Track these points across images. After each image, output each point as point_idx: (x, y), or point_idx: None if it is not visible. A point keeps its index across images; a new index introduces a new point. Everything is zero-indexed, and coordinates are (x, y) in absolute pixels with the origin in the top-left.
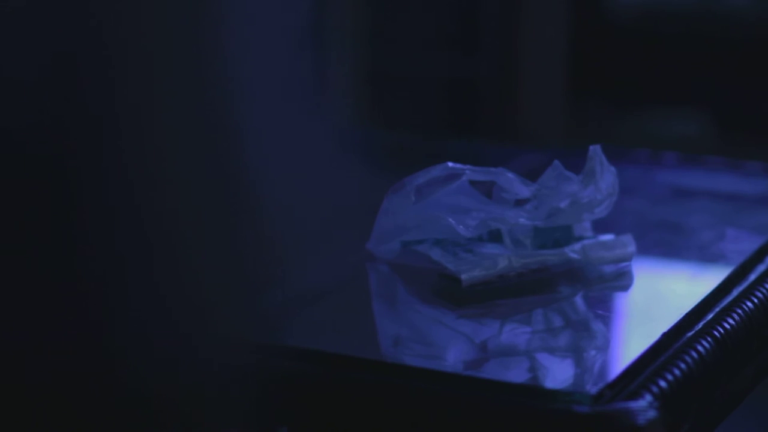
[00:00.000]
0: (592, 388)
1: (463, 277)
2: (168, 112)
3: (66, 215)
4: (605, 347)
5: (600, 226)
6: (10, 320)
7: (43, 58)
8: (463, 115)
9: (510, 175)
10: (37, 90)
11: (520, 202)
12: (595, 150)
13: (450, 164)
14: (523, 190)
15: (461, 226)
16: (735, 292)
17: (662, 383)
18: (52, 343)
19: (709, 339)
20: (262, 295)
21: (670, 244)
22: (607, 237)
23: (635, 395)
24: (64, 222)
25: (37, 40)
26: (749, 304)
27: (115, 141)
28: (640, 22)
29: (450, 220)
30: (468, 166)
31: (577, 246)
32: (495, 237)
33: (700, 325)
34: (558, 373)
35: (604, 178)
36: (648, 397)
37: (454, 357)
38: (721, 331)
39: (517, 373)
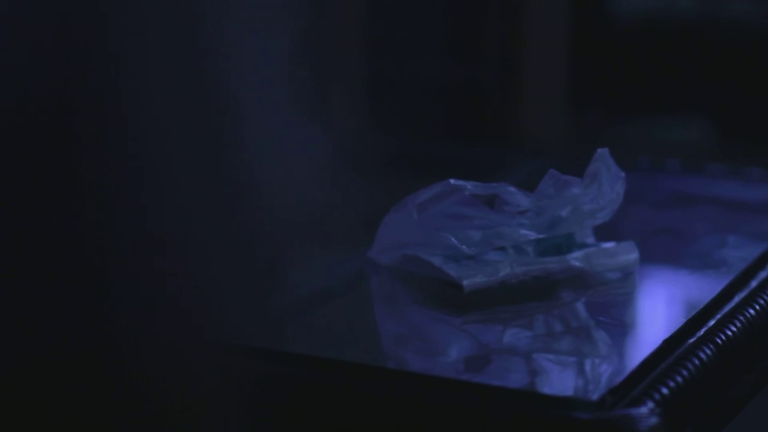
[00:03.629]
0: (593, 395)
1: (465, 283)
2: (169, 120)
3: (67, 217)
4: (607, 354)
5: (602, 233)
6: (12, 317)
7: (43, 51)
8: (466, 121)
9: (511, 188)
10: (37, 79)
11: (521, 212)
12: (603, 153)
13: (452, 181)
14: (525, 202)
15: (464, 246)
16: (737, 299)
17: (664, 390)
18: (53, 342)
19: (710, 345)
20: (264, 301)
21: (672, 251)
22: (609, 244)
23: (637, 402)
24: (64, 223)
25: (38, 34)
26: (751, 310)
27: (117, 146)
28: (643, 28)
29: (453, 239)
30: (470, 183)
31: (579, 254)
32: None
33: (702, 331)
34: (559, 380)
35: (610, 182)
36: (650, 404)
37: (455, 362)
38: (723, 337)
39: (518, 379)
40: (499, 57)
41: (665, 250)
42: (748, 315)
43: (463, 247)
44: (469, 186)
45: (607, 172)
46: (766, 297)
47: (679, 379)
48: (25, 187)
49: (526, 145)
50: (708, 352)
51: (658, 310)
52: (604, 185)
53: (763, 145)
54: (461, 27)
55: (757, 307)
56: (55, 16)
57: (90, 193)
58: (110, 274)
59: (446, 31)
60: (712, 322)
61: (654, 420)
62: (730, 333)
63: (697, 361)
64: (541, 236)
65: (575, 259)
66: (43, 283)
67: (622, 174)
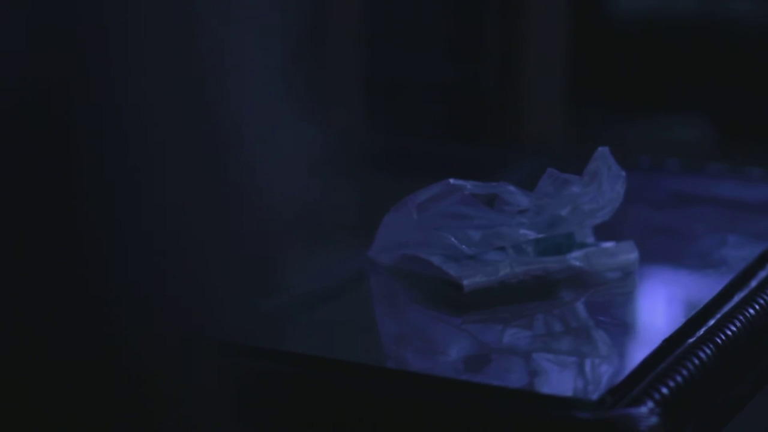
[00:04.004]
0: (593, 395)
1: (465, 283)
2: (168, 120)
3: (65, 217)
4: (607, 353)
5: (602, 233)
6: (10, 318)
7: (42, 52)
8: (465, 121)
9: (511, 188)
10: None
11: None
12: (603, 152)
13: (452, 181)
14: (525, 202)
15: (464, 246)
16: (736, 299)
17: (664, 389)
18: (52, 342)
19: (710, 345)
20: (263, 300)
21: (672, 251)
22: (609, 244)
23: (637, 401)
24: (63, 223)
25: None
26: (751, 310)
27: (115, 146)
28: (643, 28)
29: (452, 239)
30: (469, 182)
31: (579, 253)
32: None
33: (702, 331)
34: (559, 380)
35: (610, 181)
36: (649, 404)
37: (455, 362)
38: (723, 337)
39: (518, 379)
40: (499, 57)
41: (665, 250)
42: (748, 315)
43: (463, 247)
44: (469, 186)
45: (608, 171)
46: (765, 297)
47: (678, 378)
48: (23, 188)
49: (526, 145)
50: (708, 351)
51: (658, 309)
52: (604, 184)
53: (763, 144)
54: (461, 27)
55: (757, 307)
56: (54, 15)
57: (88, 193)
58: (109, 274)
59: (446, 31)
60: (711, 322)
61: (654, 420)
62: (729, 333)
63: (696, 361)
64: (540, 236)
65: (575, 258)
66: (42, 283)
67: (623, 173)
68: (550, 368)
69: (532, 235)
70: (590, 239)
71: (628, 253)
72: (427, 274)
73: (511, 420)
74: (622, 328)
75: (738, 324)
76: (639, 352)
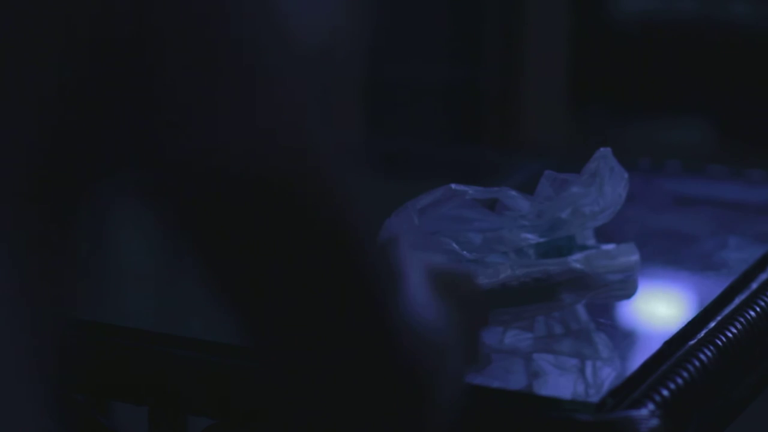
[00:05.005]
0: (594, 397)
1: None
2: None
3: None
4: (607, 356)
5: (603, 235)
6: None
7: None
8: (466, 124)
9: (512, 192)
10: None
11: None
12: (605, 153)
13: (453, 186)
14: (526, 206)
15: (465, 251)
16: (737, 301)
17: (664, 392)
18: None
19: (711, 347)
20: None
21: (673, 253)
22: (610, 246)
23: (637, 404)
24: None
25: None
26: (751, 312)
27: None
28: (643, 29)
29: (453, 244)
30: (471, 187)
31: (580, 256)
32: None
33: (703, 333)
34: (560, 382)
35: (612, 183)
36: (650, 406)
37: None
38: (724, 339)
39: (518, 381)
40: (499, 58)
41: (666, 252)
42: (749, 317)
43: (464, 252)
44: (470, 191)
45: (610, 172)
46: (766, 299)
47: (679, 381)
48: None
49: (527, 147)
50: (708, 354)
51: (659, 312)
52: (605, 186)
53: (764, 146)
54: (461, 27)
55: (758, 309)
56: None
57: None
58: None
59: (446, 31)
60: (712, 324)
61: (654, 422)
62: (730, 335)
63: (697, 363)
64: (542, 240)
65: (576, 261)
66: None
67: (626, 175)
68: (551, 370)
69: (533, 238)
70: (591, 241)
71: (629, 255)
72: None
73: (511, 422)
74: (622, 331)
75: (739, 326)
76: (640, 355)
